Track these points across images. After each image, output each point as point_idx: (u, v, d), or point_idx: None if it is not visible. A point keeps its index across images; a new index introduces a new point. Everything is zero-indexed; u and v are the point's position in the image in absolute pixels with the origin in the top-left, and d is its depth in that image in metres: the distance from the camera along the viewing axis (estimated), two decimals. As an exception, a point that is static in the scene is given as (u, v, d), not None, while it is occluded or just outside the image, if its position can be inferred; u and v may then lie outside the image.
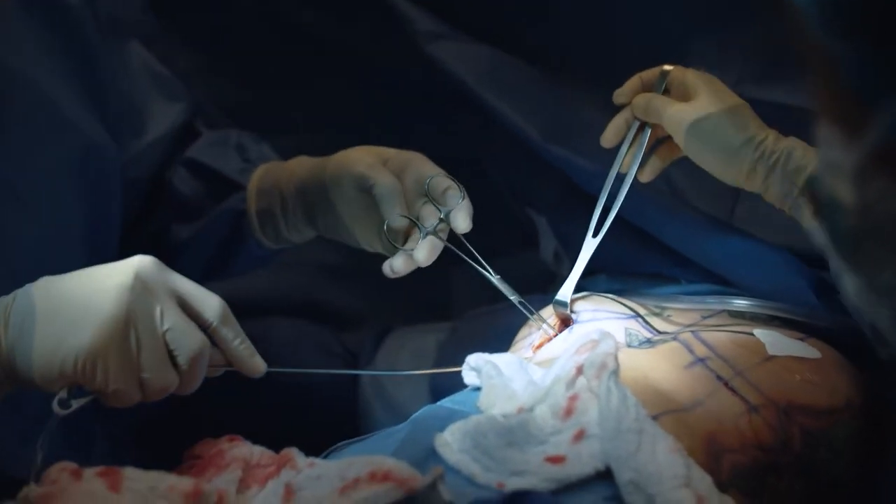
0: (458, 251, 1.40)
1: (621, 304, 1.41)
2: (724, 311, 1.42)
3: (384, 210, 1.41)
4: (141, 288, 1.15)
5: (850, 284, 0.92)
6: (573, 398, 1.19)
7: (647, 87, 1.39)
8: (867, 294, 0.90)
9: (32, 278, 1.17)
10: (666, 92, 1.38)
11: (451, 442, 1.19)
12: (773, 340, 1.32)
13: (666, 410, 1.21)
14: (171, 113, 1.58)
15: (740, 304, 1.42)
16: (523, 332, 1.43)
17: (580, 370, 1.21)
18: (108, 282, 1.15)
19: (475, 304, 1.55)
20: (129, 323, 1.14)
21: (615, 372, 1.19)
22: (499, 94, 1.66)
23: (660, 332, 1.36)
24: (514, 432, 1.17)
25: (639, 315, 1.39)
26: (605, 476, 1.12)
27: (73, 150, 1.37)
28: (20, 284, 1.17)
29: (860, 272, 0.88)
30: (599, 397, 1.17)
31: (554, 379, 1.23)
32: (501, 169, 1.77)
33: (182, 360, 1.18)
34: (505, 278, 1.41)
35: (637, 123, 1.39)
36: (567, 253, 1.68)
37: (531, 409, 1.21)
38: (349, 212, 1.44)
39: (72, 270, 1.18)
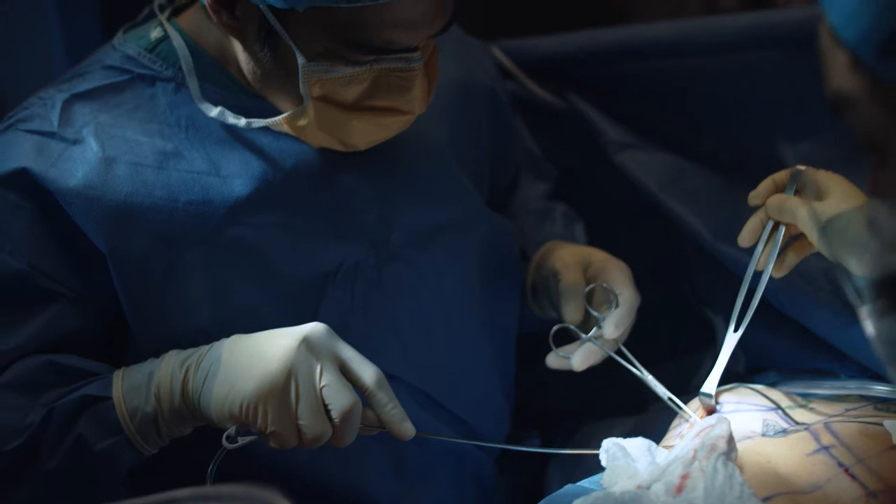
0: (613, 355, 1.52)
1: (764, 395, 1.46)
2: (869, 404, 1.44)
3: (561, 305, 1.55)
4: (306, 348, 1.30)
5: None
6: (685, 477, 1.26)
7: (779, 188, 1.45)
8: None
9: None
10: (798, 192, 1.43)
11: (572, 515, 1.28)
12: (901, 430, 1.34)
13: (781, 492, 1.27)
14: None
15: (880, 389, 1.44)
16: (675, 422, 1.50)
17: (696, 452, 1.28)
18: (281, 341, 1.31)
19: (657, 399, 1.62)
20: (291, 376, 1.29)
21: (725, 453, 1.26)
22: (678, 198, 1.76)
23: (797, 423, 1.40)
24: (626, 506, 1.25)
25: (779, 407, 1.44)
26: (706, 548, 1.19)
27: None
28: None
29: None
30: (706, 475, 1.24)
31: (672, 459, 1.31)
32: (682, 270, 1.85)
33: (335, 413, 1.31)
34: (688, 374, 1.50)
35: (772, 223, 1.44)
36: (742, 350, 1.74)
37: (648, 487, 1.29)
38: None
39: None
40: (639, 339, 1.59)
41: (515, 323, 1.71)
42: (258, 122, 1.46)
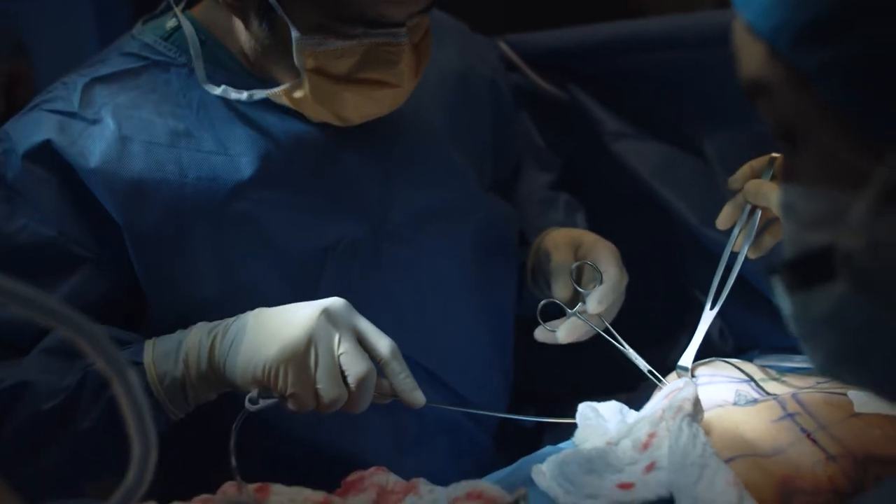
0: (597, 329, 1.60)
1: (739, 368, 1.52)
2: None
3: (551, 283, 1.64)
4: (326, 319, 1.38)
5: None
6: (652, 435, 1.33)
7: (756, 174, 1.51)
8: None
9: None
10: (774, 178, 1.50)
11: (545, 471, 1.35)
12: (863, 400, 1.40)
13: (743, 454, 1.33)
14: None
15: None
16: (655, 393, 1.57)
17: (663, 412, 1.35)
18: (303, 311, 1.40)
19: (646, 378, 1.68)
20: (311, 343, 1.37)
21: (690, 415, 1.33)
22: (669, 185, 1.84)
23: (768, 394, 1.46)
24: (594, 461, 1.32)
25: (752, 379, 1.50)
26: (667, 502, 1.25)
27: None
28: None
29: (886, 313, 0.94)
30: (671, 434, 1.31)
31: (640, 419, 1.38)
32: (673, 254, 1.92)
33: (351, 379, 1.39)
34: (675, 352, 1.56)
35: (749, 207, 1.51)
36: (730, 330, 1.81)
37: (616, 443, 1.36)
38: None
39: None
40: (631, 320, 1.65)
41: (513, 304, 1.78)
42: (259, 94, 1.56)
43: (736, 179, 1.52)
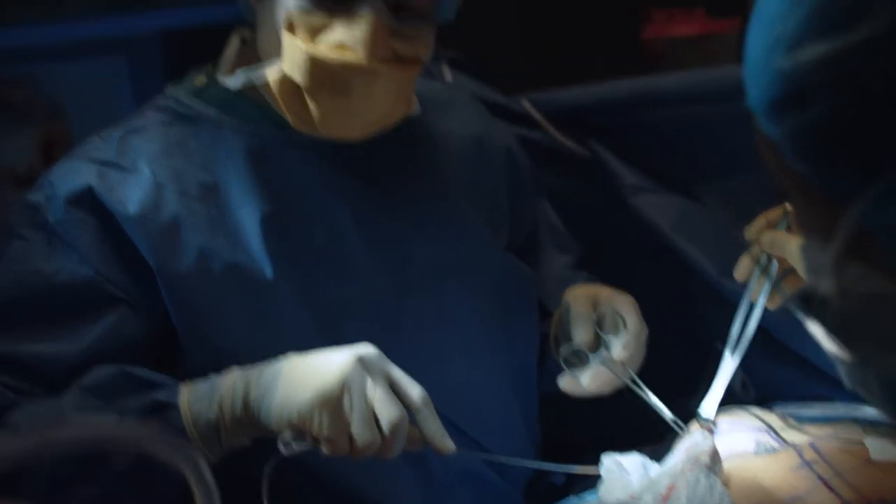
0: (620, 376, 1.63)
1: (758, 417, 1.56)
2: (857, 425, 1.54)
3: (571, 330, 1.68)
4: (360, 365, 1.42)
5: (842, 369, 1.07)
6: (671, 487, 1.37)
7: (771, 225, 1.54)
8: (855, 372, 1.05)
9: None
10: (788, 228, 1.53)
11: (568, 522, 1.39)
12: (880, 447, 1.44)
13: (762, 502, 1.37)
14: None
15: (867, 412, 1.54)
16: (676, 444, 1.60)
17: (682, 465, 1.39)
18: (337, 357, 1.44)
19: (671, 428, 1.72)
20: (345, 388, 1.41)
21: (708, 466, 1.37)
22: (687, 237, 1.88)
23: (786, 443, 1.50)
24: (616, 514, 1.36)
25: (771, 428, 1.54)
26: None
27: None
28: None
29: (850, 352, 1.03)
30: (688, 485, 1.34)
31: (661, 472, 1.42)
32: (693, 305, 1.95)
33: (384, 424, 1.41)
34: (697, 402, 1.60)
35: (765, 257, 1.54)
36: (752, 380, 1.84)
37: (639, 497, 1.40)
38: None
39: None
40: (652, 371, 1.69)
41: (534, 360, 1.82)
42: (250, 76, 1.64)
43: (751, 230, 1.56)
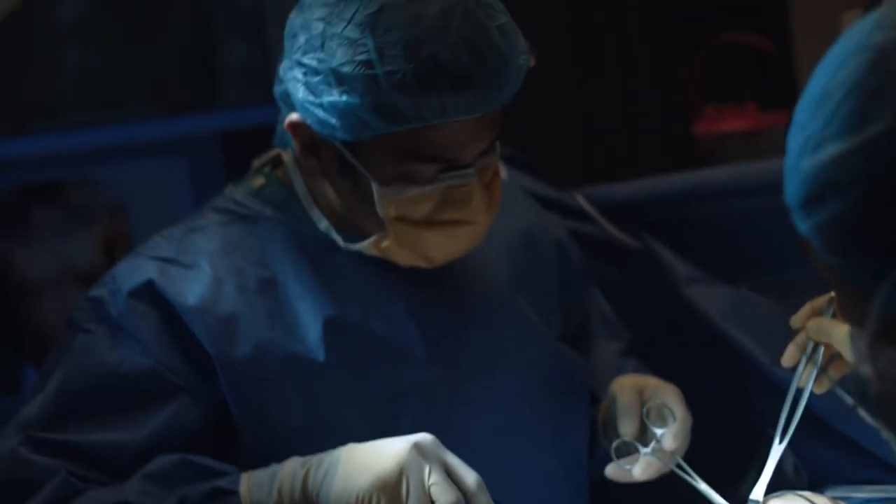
0: (672, 467, 1.65)
1: (810, 501, 1.57)
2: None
3: (618, 422, 1.70)
4: (417, 452, 1.45)
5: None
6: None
7: (817, 312, 1.56)
8: None
9: None
10: (834, 315, 1.54)
11: None
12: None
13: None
14: None
15: None
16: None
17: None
18: (394, 444, 1.47)
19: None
20: (403, 474, 1.44)
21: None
22: (738, 326, 1.90)
23: (841, 528, 1.51)
24: None
25: (825, 511, 1.55)
26: None
27: None
28: None
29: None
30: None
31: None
32: (745, 394, 1.97)
33: None
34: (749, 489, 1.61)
35: (812, 344, 1.56)
36: (804, 465, 1.85)
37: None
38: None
39: None
40: (705, 458, 1.70)
41: (585, 447, 1.83)
42: (353, 246, 1.68)
43: (798, 318, 1.58)
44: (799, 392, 1.56)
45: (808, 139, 0.96)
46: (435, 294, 1.74)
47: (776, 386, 1.81)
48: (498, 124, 1.62)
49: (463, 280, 1.76)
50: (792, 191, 0.98)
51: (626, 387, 1.75)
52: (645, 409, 1.70)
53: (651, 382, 1.76)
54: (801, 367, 1.57)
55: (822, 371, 1.56)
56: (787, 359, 1.58)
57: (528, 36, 1.65)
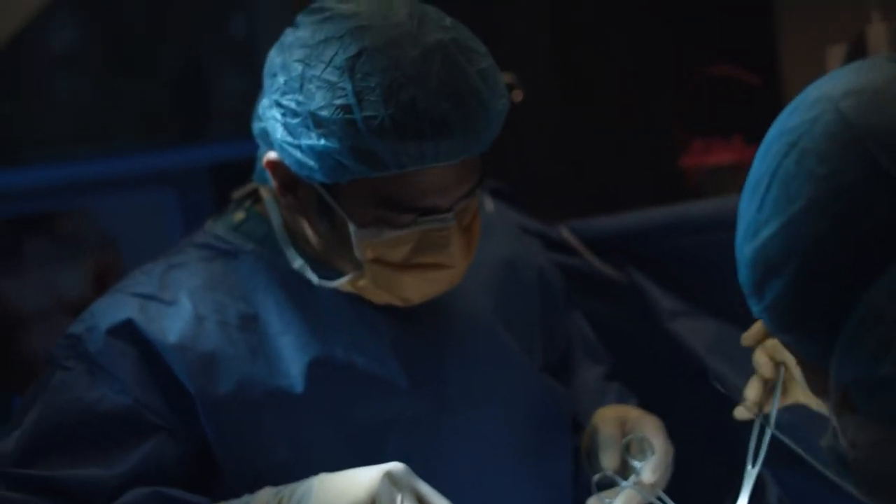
0: (652, 499, 1.65)
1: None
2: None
3: (599, 455, 1.71)
4: (389, 481, 1.46)
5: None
6: None
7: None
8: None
9: None
10: None
11: None
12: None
13: None
14: None
15: None
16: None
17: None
18: (365, 474, 1.47)
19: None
20: (374, 502, 1.45)
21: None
22: (721, 358, 1.91)
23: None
24: None
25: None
26: None
27: None
28: None
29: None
30: None
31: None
32: (729, 426, 1.97)
33: None
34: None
35: (773, 368, 1.58)
36: (789, 498, 1.86)
37: None
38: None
39: None
40: (689, 490, 1.71)
41: (569, 477, 1.84)
42: (328, 284, 1.68)
43: (748, 336, 1.60)
44: (766, 416, 1.58)
45: (748, 226, 1.02)
46: (417, 327, 1.74)
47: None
48: (479, 169, 1.62)
49: (444, 312, 1.77)
50: (741, 278, 1.04)
51: (608, 418, 1.76)
52: (625, 443, 1.71)
53: (633, 414, 1.77)
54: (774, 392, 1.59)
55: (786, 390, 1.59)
56: (748, 402, 1.61)
57: (515, 68, 1.66)
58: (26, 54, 3.40)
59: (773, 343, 1.57)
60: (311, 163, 1.55)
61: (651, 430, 1.72)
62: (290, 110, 1.55)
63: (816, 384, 1.04)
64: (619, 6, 3.09)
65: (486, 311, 1.82)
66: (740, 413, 1.61)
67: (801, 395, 1.58)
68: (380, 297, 1.67)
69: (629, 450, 1.71)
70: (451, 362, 1.75)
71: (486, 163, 1.65)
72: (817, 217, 0.95)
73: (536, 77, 2.78)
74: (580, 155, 3.01)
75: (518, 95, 1.77)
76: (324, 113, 1.51)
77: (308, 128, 1.53)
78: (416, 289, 1.65)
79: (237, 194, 1.82)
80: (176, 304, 1.67)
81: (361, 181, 1.54)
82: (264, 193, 1.76)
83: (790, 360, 1.54)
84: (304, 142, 1.54)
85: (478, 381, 1.76)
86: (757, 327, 1.59)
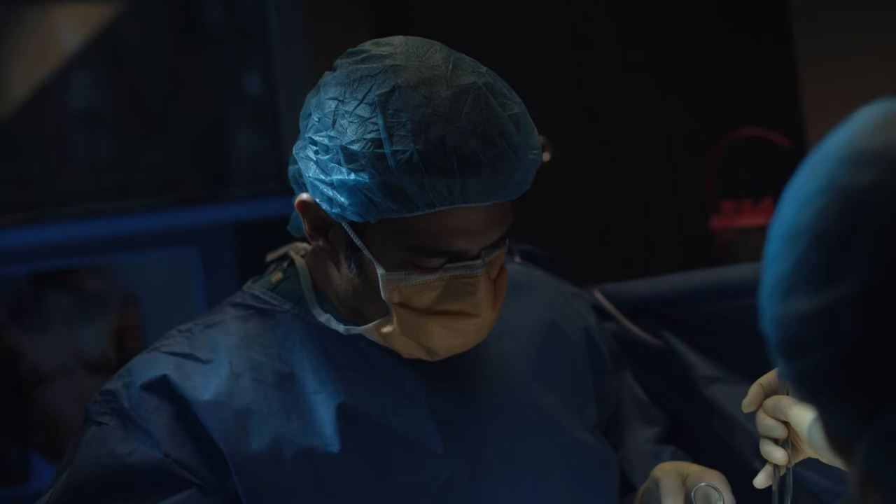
0: None
1: None
2: None
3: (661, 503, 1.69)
4: None
5: None
6: None
7: (769, 391, 1.58)
8: None
9: None
10: (789, 391, 1.55)
11: None
12: None
13: None
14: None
15: None
16: None
17: None
18: None
19: None
20: None
21: None
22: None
23: None
24: None
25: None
26: None
27: None
28: None
29: None
30: None
31: None
32: (769, 493, 1.95)
33: None
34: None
35: (780, 428, 1.56)
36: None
37: None
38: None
39: None
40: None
41: None
42: (354, 329, 1.67)
43: (748, 402, 1.60)
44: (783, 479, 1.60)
45: (779, 279, 0.92)
46: (453, 389, 1.73)
47: (804, 486, 1.79)
48: (509, 218, 1.62)
49: (482, 374, 1.75)
50: (766, 328, 0.95)
51: (670, 471, 1.72)
52: (693, 491, 1.67)
53: (695, 469, 1.74)
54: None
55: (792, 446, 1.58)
56: (759, 481, 1.61)
57: (544, 131, 1.65)
58: (47, 110, 3.41)
59: (772, 403, 1.56)
60: (342, 199, 1.54)
61: (717, 482, 1.69)
62: (322, 146, 1.56)
63: (839, 448, 0.98)
64: (647, 69, 3.09)
65: (525, 374, 1.80)
66: (761, 482, 1.60)
67: (809, 449, 1.57)
68: (406, 346, 1.65)
69: (695, 497, 1.67)
70: (487, 426, 1.73)
71: (517, 225, 1.64)
72: (871, 303, 0.86)
73: (564, 139, 2.78)
74: (608, 219, 3.00)
75: (545, 156, 1.75)
76: (355, 147, 1.52)
77: (339, 163, 1.53)
78: (442, 339, 1.63)
79: (271, 256, 1.82)
80: (212, 363, 1.67)
81: (390, 222, 1.54)
82: (293, 255, 1.77)
83: (794, 418, 1.53)
84: (336, 177, 1.54)
85: (514, 445, 1.74)
86: (755, 391, 1.59)
